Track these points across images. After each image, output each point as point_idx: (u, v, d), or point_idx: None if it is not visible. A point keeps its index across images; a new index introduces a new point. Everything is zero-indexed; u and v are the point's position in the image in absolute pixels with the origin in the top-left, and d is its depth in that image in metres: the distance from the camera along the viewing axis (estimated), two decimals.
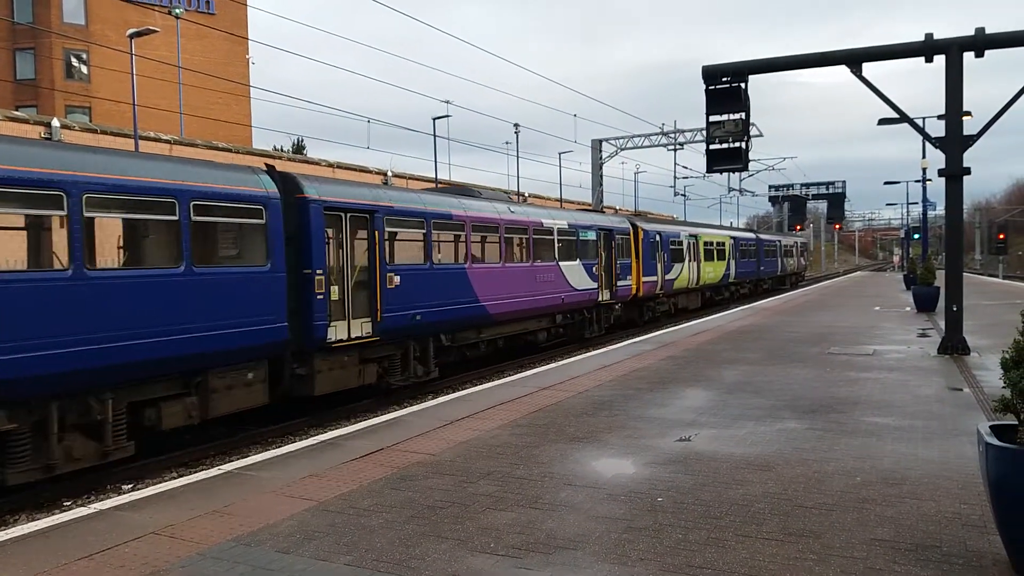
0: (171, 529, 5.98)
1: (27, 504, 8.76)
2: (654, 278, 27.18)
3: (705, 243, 34.23)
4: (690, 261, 31.66)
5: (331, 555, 5.36)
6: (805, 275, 65.35)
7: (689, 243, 31.79)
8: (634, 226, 26.46)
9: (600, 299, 22.81)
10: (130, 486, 9.38)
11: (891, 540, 5.38)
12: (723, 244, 37.32)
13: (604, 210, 48.63)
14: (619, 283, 24.09)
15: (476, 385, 14.08)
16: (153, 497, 6.89)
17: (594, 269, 22.26)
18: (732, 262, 38.69)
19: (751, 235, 45.33)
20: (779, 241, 52.26)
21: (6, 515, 8.49)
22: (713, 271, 35.31)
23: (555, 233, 20.34)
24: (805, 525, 5.71)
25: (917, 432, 8.52)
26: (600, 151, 49.50)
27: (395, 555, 5.33)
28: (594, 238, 22.64)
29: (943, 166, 14.63)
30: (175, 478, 8.72)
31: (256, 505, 6.53)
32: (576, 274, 21.25)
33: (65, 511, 7.42)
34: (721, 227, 46.59)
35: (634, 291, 25.49)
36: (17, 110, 34.73)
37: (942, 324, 16.07)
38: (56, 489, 9.13)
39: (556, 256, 20.30)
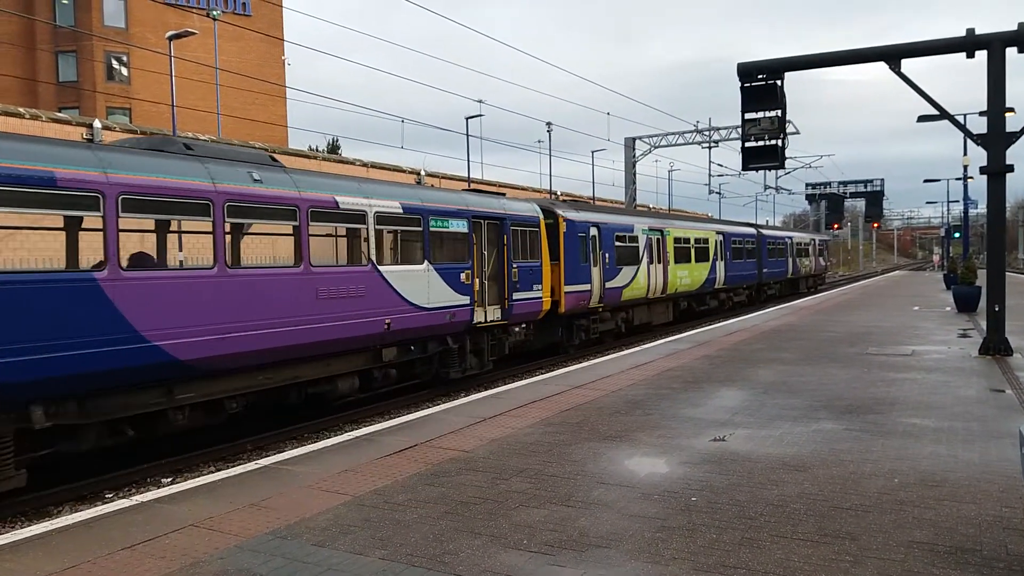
0: (210, 521, 6.08)
1: (70, 496, 8.96)
2: (585, 287, 19.90)
3: (677, 240, 26.96)
4: (652, 263, 24.56)
5: (366, 549, 5.42)
6: (826, 277, 57.23)
7: (649, 240, 24.55)
8: (550, 213, 19.14)
9: (476, 320, 15.43)
10: (169, 479, 9.56)
11: (929, 543, 5.30)
12: (705, 241, 29.81)
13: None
14: (517, 295, 16.76)
15: (508, 383, 14.11)
16: (192, 490, 7.02)
17: (462, 276, 14.89)
18: (720, 264, 31.05)
19: (748, 230, 36.55)
20: (789, 238, 43.67)
21: (50, 507, 8.70)
22: (689, 275, 27.95)
23: (369, 220, 12.78)
24: (841, 526, 5.65)
25: (957, 434, 8.37)
26: (633, 149, 49.30)
27: (429, 550, 5.37)
28: (463, 230, 15.23)
29: (984, 163, 14.35)
30: (213, 472, 8.87)
31: (292, 499, 6.62)
32: (419, 284, 13.75)
33: (107, 503, 7.57)
34: (704, 219, 39.95)
35: (546, 306, 18.19)
36: (60, 111, 35.51)
37: (983, 324, 15.75)
38: (98, 482, 9.33)
39: (371, 257, 12.82)
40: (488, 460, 7.72)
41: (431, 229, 14.30)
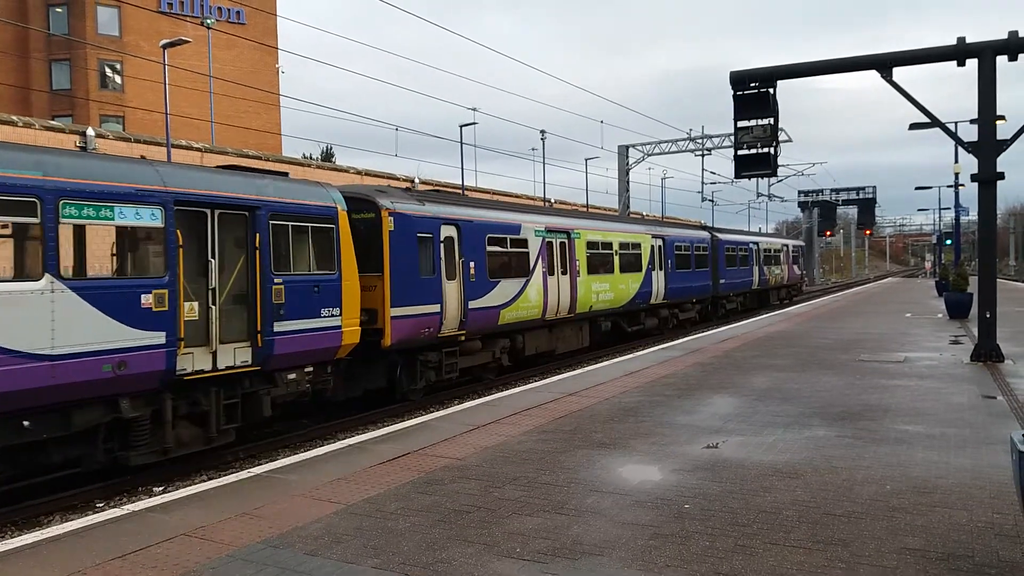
0: (201, 531, 6.06)
1: (60, 505, 8.91)
2: (430, 308, 14.40)
3: (593, 245, 21.14)
4: (552, 274, 18.75)
5: (358, 558, 5.40)
6: (803, 287, 51.51)
7: (547, 244, 18.62)
8: (367, 204, 13.78)
9: (179, 369, 9.70)
10: (161, 488, 9.51)
11: (922, 549, 5.31)
12: (636, 247, 23.82)
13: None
14: (285, 326, 11.07)
15: (501, 391, 14.10)
16: (183, 499, 6.99)
17: (145, 300, 9.26)
18: (657, 274, 25.23)
19: (699, 234, 30.68)
20: (755, 243, 37.38)
21: (40, 516, 8.65)
22: (612, 289, 21.95)
23: None
24: (834, 533, 5.65)
25: (949, 440, 8.40)
26: (627, 157, 49.44)
27: (421, 559, 5.36)
28: (151, 223, 9.54)
29: (975, 171, 14.43)
30: (205, 481, 8.83)
31: (285, 508, 6.60)
32: (28, 315, 8.19)
33: (98, 512, 7.54)
34: (638, 220, 32.94)
35: (352, 338, 12.36)
36: (53, 119, 35.45)
37: (975, 331, 15.81)
38: (89, 491, 9.28)
39: None
40: (481, 468, 7.71)
41: (66, 221, 8.63)
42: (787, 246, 44.59)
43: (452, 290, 15.17)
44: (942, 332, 20.38)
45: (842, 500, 6.41)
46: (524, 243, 17.79)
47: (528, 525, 5.99)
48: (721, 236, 32.63)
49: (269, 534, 5.93)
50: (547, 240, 18.73)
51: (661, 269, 25.57)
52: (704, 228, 33.68)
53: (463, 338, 15.60)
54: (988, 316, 14.53)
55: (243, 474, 7.91)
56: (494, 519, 6.15)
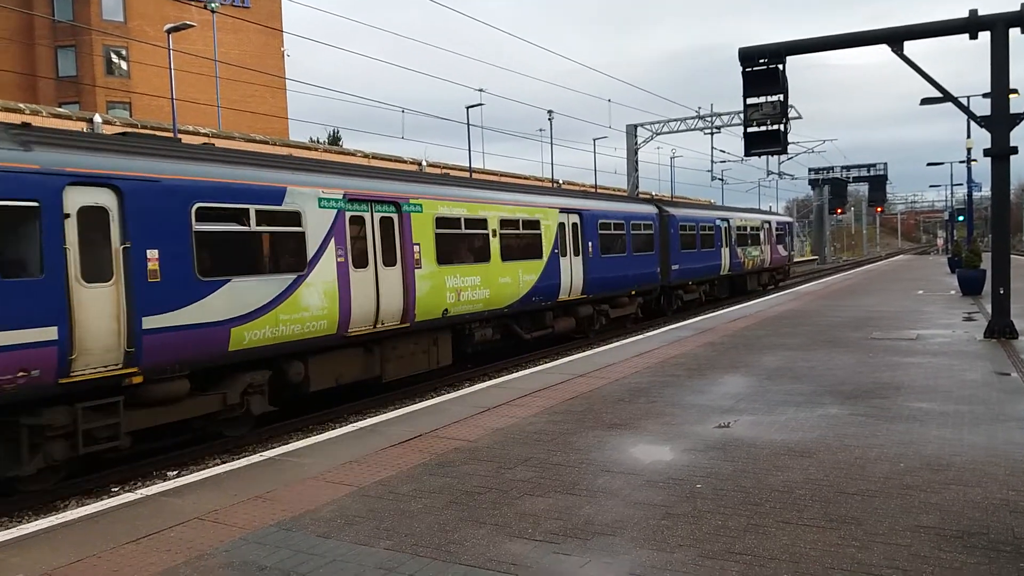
0: (215, 514, 6.09)
1: (76, 490, 8.98)
2: (29, 335, 8.08)
3: (445, 222, 14.88)
4: (363, 266, 12.73)
5: (371, 540, 5.41)
6: (790, 270, 43.38)
7: (341, 219, 12.40)
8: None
9: None
10: (175, 472, 9.57)
11: (936, 527, 5.29)
12: (532, 224, 17.71)
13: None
14: None
15: (512, 372, 14.11)
16: (197, 483, 7.03)
17: None
18: (570, 261, 19.01)
19: (639, 209, 24.26)
20: (724, 220, 30.75)
21: (57, 500, 8.72)
22: (488, 283, 15.87)
23: None
24: (847, 511, 5.63)
25: (963, 417, 8.34)
26: (635, 136, 49.13)
27: (434, 540, 5.37)
28: None
29: (988, 146, 14.27)
30: (218, 464, 8.87)
31: (297, 491, 6.62)
32: None
33: (113, 496, 7.58)
34: (543, 189, 22.99)
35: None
36: (60, 107, 35.49)
37: (988, 308, 15.70)
38: (104, 476, 9.35)
39: None
40: (492, 450, 7.72)
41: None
42: (768, 223, 37.20)
43: (97, 300, 8.88)
44: (955, 309, 20.25)
45: (855, 478, 6.38)
46: (295, 218, 11.45)
47: (540, 506, 5.99)
48: (674, 211, 26.12)
49: (282, 517, 5.95)
50: (342, 214, 12.27)
51: (577, 254, 19.35)
52: (651, 201, 26.75)
53: (135, 380, 9.19)
54: (1001, 292, 14.41)
55: (256, 457, 7.94)
56: (506, 500, 6.15)
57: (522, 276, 16.94)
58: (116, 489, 9.02)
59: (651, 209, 24.89)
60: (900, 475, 6.43)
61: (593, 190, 32.91)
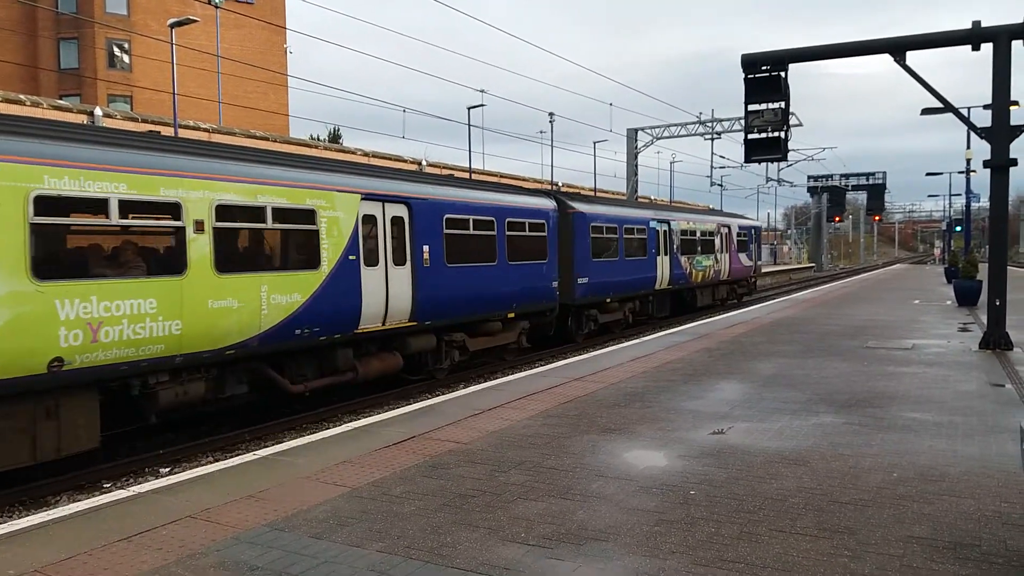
0: (207, 513, 6.07)
1: (68, 485, 8.96)
2: None
3: (52, 202, 8.36)
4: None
5: (363, 541, 5.40)
6: (755, 283, 37.39)
7: None
8: None
9: None
10: (167, 470, 9.56)
11: (929, 538, 5.29)
12: (299, 215, 11.57)
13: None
14: None
15: (507, 375, 14.10)
16: (189, 481, 7.01)
17: None
18: (384, 274, 13.15)
19: (521, 201, 17.84)
20: (662, 223, 25.21)
21: (48, 496, 8.70)
22: (176, 309, 9.58)
23: None
24: (840, 521, 5.63)
25: (957, 428, 8.35)
26: (636, 140, 49.17)
27: (426, 542, 5.36)
28: None
29: (988, 157, 14.29)
30: (211, 463, 8.85)
31: (290, 490, 6.61)
32: None
33: (105, 493, 7.58)
34: (322, 160, 14.01)
35: None
36: (61, 99, 35.44)
37: (984, 319, 15.72)
38: (96, 472, 9.33)
39: None
40: (486, 452, 7.71)
41: None
42: (727, 227, 31.35)
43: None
44: (951, 319, 20.28)
45: (848, 488, 6.38)
46: None
47: (533, 510, 5.98)
48: (582, 208, 20.38)
49: (274, 517, 5.94)
50: None
51: (401, 263, 13.49)
52: (548, 194, 19.97)
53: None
54: (998, 304, 14.44)
55: (249, 456, 7.92)
56: (499, 503, 6.15)
57: (269, 296, 10.88)
58: (108, 486, 9.00)
59: (545, 203, 18.63)
60: (893, 485, 6.43)
61: (447, 174, 23.82)
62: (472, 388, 11.96)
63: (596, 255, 20.63)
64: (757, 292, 37.86)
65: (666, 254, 25.33)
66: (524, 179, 50.72)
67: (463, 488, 6.56)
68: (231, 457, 8.68)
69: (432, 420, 9.26)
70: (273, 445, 8.94)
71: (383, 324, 13.12)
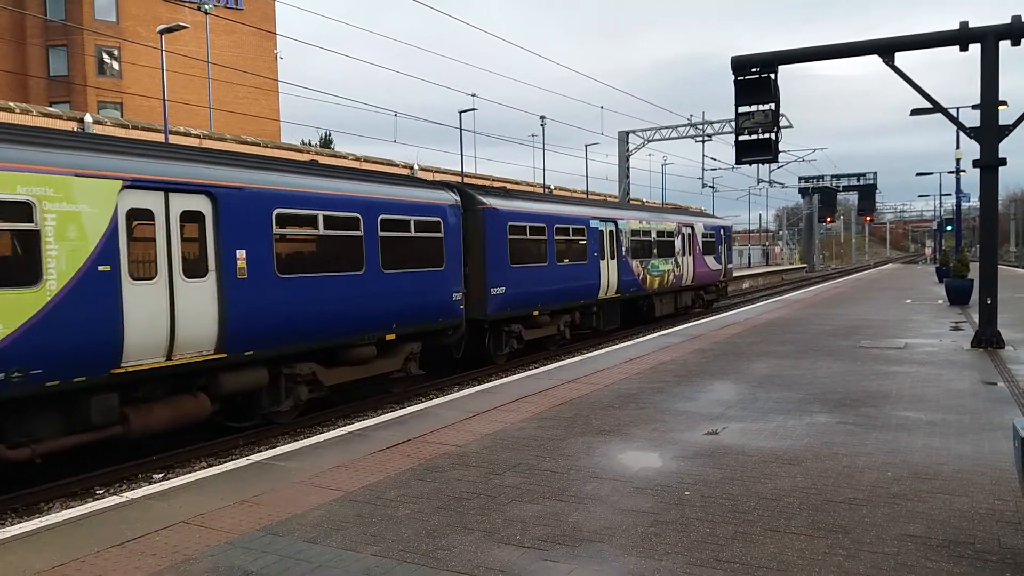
0: (201, 518, 6.04)
1: (61, 492, 8.90)
2: None
3: None
4: None
5: (358, 545, 5.39)
6: (727, 287, 33.94)
7: None
8: None
9: None
10: (161, 475, 9.51)
11: (923, 536, 5.30)
12: (20, 212, 8.07)
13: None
14: None
15: (501, 377, 14.09)
16: (183, 487, 6.98)
17: None
18: (167, 290, 9.48)
19: (419, 195, 14.41)
20: (606, 222, 21.85)
21: (40, 503, 8.64)
22: None
23: None
24: (835, 520, 5.64)
25: (950, 427, 8.38)
26: (627, 143, 49.29)
27: (421, 546, 5.34)
28: None
29: (977, 157, 14.36)
30: (205, 468, 8.83)
31: (284, 495, 6.59)
32: None
33: (98, 499, 7.54)
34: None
35: None
36: (51, 106, 35.31)
37: (976, 317, 15.79)
38: (89, 478, 9.28)
39: None
40: (481, 455, 7.70)
41: None
42: (690, 227, 28.18)
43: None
44: (943, 318, 20.36)
45: (843, 487, 6.39)
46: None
47: (528, 512, 5.97)
48: (496, 204, 16.98)
49: (268, 521, 5.92)
50: None
51: (202, 275, 10.09)
52: (448, 186, 16.25)
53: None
54: (989, 302, 14.50)
55: (242, 461, 7.89)
56: (494, 506, 6.14)
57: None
58: (101, 492, 8.95)
59: (440, 197, 15.07)
60: (887, 484, 6.44)
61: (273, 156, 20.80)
62: (466, 391, 11.94)
63: (517, 260, 17.28)
64: (750, 294, 37.82)
65: (613, 258, 22.00)
66: (516, 182, 50.75)
67: (457, 491, 6.54)
68: (225, 462, 8.64)
69: (426, 423, 9.25)
70: (267, 450, 8.91)
71: (168, 358, 9.55)
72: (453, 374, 15.89)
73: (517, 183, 50.19)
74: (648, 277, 24.24)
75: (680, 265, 26.86)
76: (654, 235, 24.91)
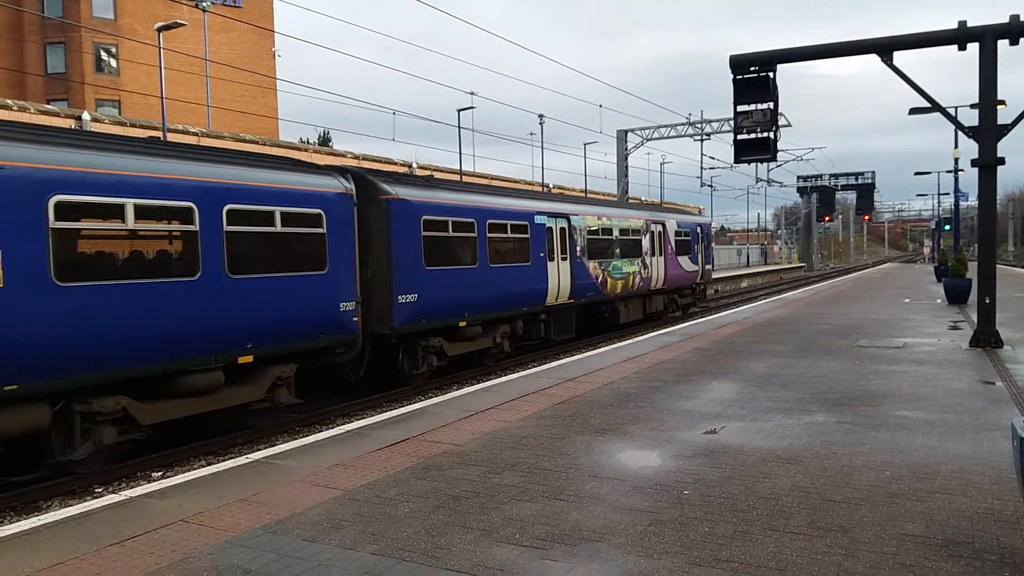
0: (200, 517, 6.04)
1: (59, 490, 8.90)
2: None
3: None
4: None
5: (357, 544, 5.39)
6: (705, 290, 32.32)
7: None
8: None
9: None
10: (160, 474, 9.50)
11: (921, 535, 5.30)
12: None
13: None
14: None
15: (500, 376, 14.10)
16: (182, 485, 6.97)
17: None
18: None
19: (287, 180, 11.69)
20: (555, 218, 19.47)
21: (39, 501, 8.64)
22: None
23: None
24: (833, 519, 5.65)
25: (948, 426, 8.39)
26: (626, 142, 49.30)
27: (420, 545, 5.34)
28: None
29: (975, 156, 14.37)
30: (204, 466, 8.82)
31: (284, 493, 6.59)
32: None
33: (96, 498, 7.52)
34: None
35: None
36: (48, 103, 35.26)
37: (974, 317, 15.81)
38: (87, 476, 9.27)
39: None
40: (480, 454, 7.70)
41: None
42: (660, 224, 25.80)
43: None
44: (941, 318, 20.38)
45: (841, 486, 6.40)
46: None
47: (527, 511, 5.97)
48: (406, 194, 14.24)
49: (268, 520, 5.92)
50: None
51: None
52: (338, 171, 13.18)
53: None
54: (987, 302, 14.51)
55: (241, 459, 7.89)
56: (493, 505, 6.14)
57: None
58: (100, 490, 8.95)
59: (323, 184, 12.41)
60: (886, 483, 6.45)
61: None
62: (465, 390, 11.94)
63: (435, 261, 14.58)
64: (748, 293, 37.68)
65: (565, 258, 19.54)
66: (515, 180, 50.72)
67: (457, 490, 6.54)
68: (223, 460, 8.64)
69: (425, 422, 9.25)
70: (265, 448, 8.91)
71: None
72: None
73: (516, 181, 50.13)
74: (609, 280, 21.84)
75: (649, 266, 24.63)
76: (616, 233, 22.56)
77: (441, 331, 15.04)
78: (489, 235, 16.44)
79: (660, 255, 25.52)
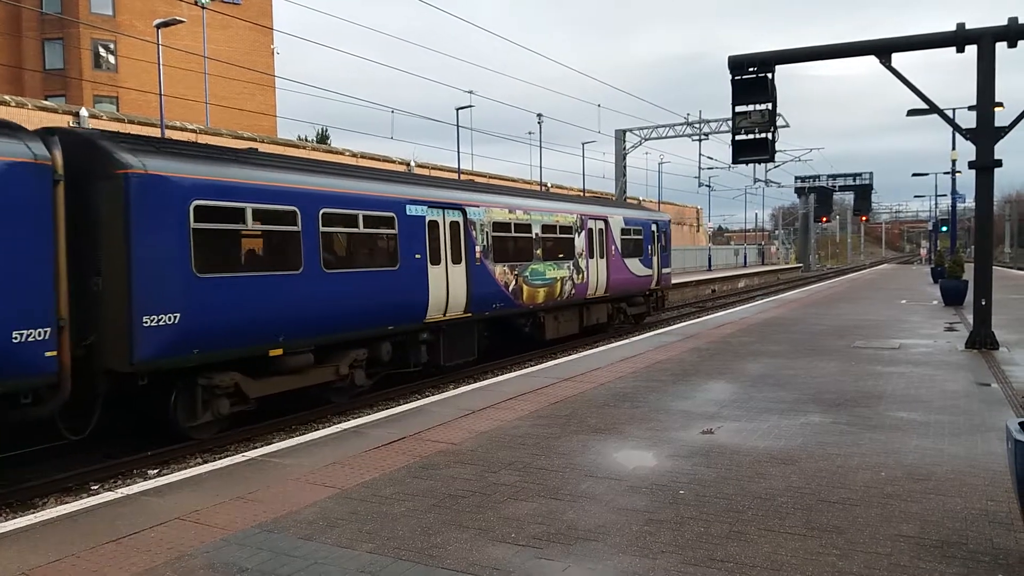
0: (196, 514, 6.05)
1: (56, 487, 8.90)
2: None
3: None
4: None
5: (353, 542, 5.39)
6: (664, 297, 27.44)
7: None
8: None
9: None
10: (156, 471, 9.50)
11: (916, 536, 5.32)
12: None
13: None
14: None
15: (497, 375, 14.11)
16: (178, 483, 6.98)
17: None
18: None
19: None
20: (446, 210, 15.07)
21: (35, 498, 8.64)
22: None
23: None
24: (828, 520, 5.66)
25: (944, 427, 8.41)
26: (624, 141, 49.30)
27: (416, 543, 5.35)
28: None
29: (973, 158, 14.39)
30: (200, 464, 8.82)
31: (279, 492, 6.59)
32: None
33: (93, 495, 7.53)
34: None
35: None
36: (46, 99, 35.20)
37: (970, 318, 15.84)
38: (84, 474, 9.27)
39: None
40: (477, 453, 7.71)
41: None
42: (603, 220, 21.80)
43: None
44: (937, 319, 20.42)
45: (837, 487, 6.42)
46: None
47: (523, 510, 5.98)
48: (162, 168, 9.77)
49: (264, 518, 5.92)
50: None
51: None
52: (32, 132, 8.82)
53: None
54: (983, 303, 14.54)
55: (238, 458, 7.89)
56: (489, 504, 6.15)
57: None
58: (96, 487, 8.95)
59: None
60: (881, 484, 6.47)
61: None
62: (462, 389, 11.95)
63: (215, 266, 10.41)
64: (745, 293, 37.52)
65: (459, 261, 15.48)
66: (513, 180, 50.72)
67: (453, 489, 6.55)
68: (220, 458, 8.65)
69: (422, 421, 9.26)
70: (262, 446, 8.92)
71: None
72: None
73: (514, 180, 50.14)
74: (526, 288, 17.75)
75: (584, 270, 20.37)
76: (538, 230, 18.45)
77: (237, 363, 10.91)
78: (324, 229, 12.14)
79: (601, 257, 21.44)
